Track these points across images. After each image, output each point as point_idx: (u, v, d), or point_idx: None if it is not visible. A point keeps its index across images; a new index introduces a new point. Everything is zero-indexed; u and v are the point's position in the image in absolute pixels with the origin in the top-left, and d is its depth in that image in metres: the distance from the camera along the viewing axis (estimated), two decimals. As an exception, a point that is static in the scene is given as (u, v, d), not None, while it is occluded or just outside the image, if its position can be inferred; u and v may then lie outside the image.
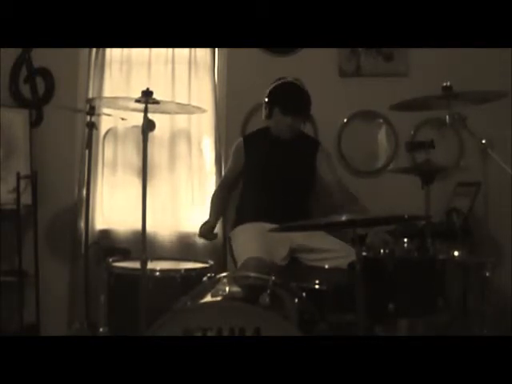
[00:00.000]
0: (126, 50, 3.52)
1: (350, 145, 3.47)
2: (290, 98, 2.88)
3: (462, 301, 2.95)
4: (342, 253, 2.60)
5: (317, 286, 2.33)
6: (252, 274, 2.19)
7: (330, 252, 2.71)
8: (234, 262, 2.81)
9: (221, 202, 3.09)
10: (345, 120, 3.48)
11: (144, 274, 2.24)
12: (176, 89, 3.50)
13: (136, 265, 2.32)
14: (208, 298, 1.94)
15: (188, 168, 3.52)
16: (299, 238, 2.77)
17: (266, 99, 2.92)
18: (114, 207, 3.52)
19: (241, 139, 3.10)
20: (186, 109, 2.95)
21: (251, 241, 2.71)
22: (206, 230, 2.92)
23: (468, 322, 2.83)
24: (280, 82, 2.91)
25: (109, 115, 3.22)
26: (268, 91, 2.92)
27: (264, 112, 2.95)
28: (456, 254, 2.64)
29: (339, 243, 2.73)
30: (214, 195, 3.13)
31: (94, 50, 3.50)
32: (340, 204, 2.87)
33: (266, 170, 2.96)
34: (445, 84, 2.34)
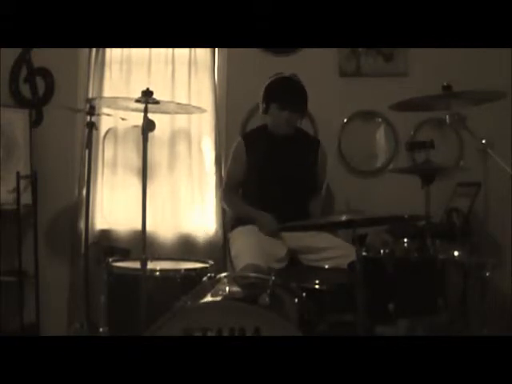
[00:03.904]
0: (125, 50, 3.51)
1: (350, 145, 3.47)
2: (286, 93, 2.89)
3: (462, 301, 2.95)
4: (342, 252, 2.60)
5: (317, 286, 2.33)
6: (252, 274, 2.20)
7: (330, 251, 2.71)
8: (232, 264, 2.80)
9: (238, 199, 3.06)
10: (345, 120, 3.48)
11: (144, 274, 2.24)
12: (176, 89, 3.50)
13: (136, 265, 2.32)
14: (208, 298, 1.94)
15: (188, 168, 3.52)
16: (299, 238, 2.77)
17: (263, 95, 2.93)
18: (114, 207, 3.52)
19: (240, 139, 3.10)
20: (186, 109, 2.95)
21: (249, 247, 2.69)
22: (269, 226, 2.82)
23: (468, 322, 2.83)
24: (276, 77, 2.92)
25: (109, 115, 3.21)
26: (265, 87, 2.93)
27: (261, 107, 2.97)
28: (456, 253, 2.63)
29: (339, 242, 2.73)
30: (226, 199, 3.09)
31: (94, 49, 3.50)
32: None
33: (265, 167, 2.96)
34: (445, 84, 2.34)
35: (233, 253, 2.82)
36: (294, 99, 2.89)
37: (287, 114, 2.89)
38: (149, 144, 2.27)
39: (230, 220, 3.14)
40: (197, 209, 3.51)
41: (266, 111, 2.95)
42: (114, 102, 2.79)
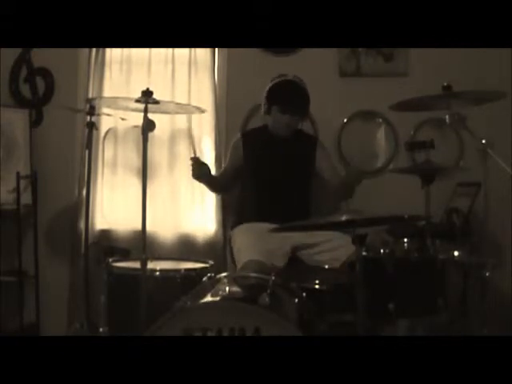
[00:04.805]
0: (126, 50, 3.51)
1: (350, 145, 3.47)
2: (288, 97, 2.89)
3: (462, 301, 2.95)
4: (339, 243, 2.60)
5: (317, 286, 2.33)
6: (252, 274, 2.20)
7: (327, 244, 2.71)
8: (234, 263, 2.81)
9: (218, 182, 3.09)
10: (345, 120, 3.48)
11: (144, 274, 2.24)
12: (176, 89, 3.50)
13: (136, 265, 2.32)
14: (208, 298, 1.94)
15: (188, 168, 3.51)
16: (299, 237, 2.77)
17: (266, 96, 2.93)
18: (114, 207, 3.51)
19: (239, 136, 3.10)
20: (186, 109, 2.95)
21: (251, 243, 2.70)
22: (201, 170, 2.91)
23: (468, 322, 2.83)
24: (279, 79, 2.92)
25: (109, 115, 3.21)
26: (267, 88, 2.93)
27: (263, 108, 2.97)
28: (456, 254, 2.63)
29: (336, 234, 2.72)
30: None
31: (94, 49, 3.50)
32: (337, 193, 2.91)
33: (264, 168, 2.97)
34: (445, 84, 2.34)
35: (235, 249, 2.83)
36: (295, 104, 2.90)
37: (288, 117, 2.89)
38: (149, 144, 2.27)
39: (232, 217, 3.14)
40: (197, 209, 3.51)
41: (267, 112, 2.96)
42: (114, 102, 2.79)
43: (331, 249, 2.68)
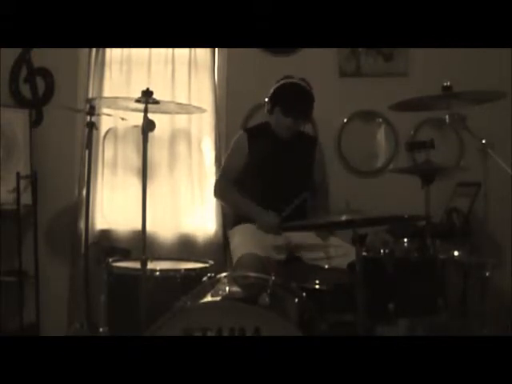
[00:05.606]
0: (126, 50, 3.52)
1: (350, 145, 3.47)
2: (292, 100, 2.88)
3: (462, 301, 2.94)
4: (342, 251, 2.60)
5: (317, 286, 2.33)
6: (252, 274, 2.20)
7: (330, 250, 2.71)
8: (231, 260, 2.81)
9: (234, 193, 2.99)
10: (345, 120, 3.48)
11: (144, 274, 2.24)
12: (176, 89, 3.50)
13: (136, 265, 2.32)
14: (208, 298, 1.94)
15: (188, 168, 3.52)
16: (298, 236, 2.77)
17: (270, 97, 2.92)
18: (114, 207, 3.52)
19: (243, 132, 3.06)
20: (186, 109, 2.95)
21: (247, 239, 2.71)
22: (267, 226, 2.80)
23: (468, 322, 2.83)
24: (284, 81, 2.90)
25: (109, 115, 3.21)
26: (273, 89, 2.91)
27: (266, 107, 2.96)
28: (456, 253, 2.63)
29: (339, 241, 2.73)
30: (222, 191, 3.04)
31: (94, 50, 3.50)
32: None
33: (266, 166, 2.96)
34: (445, 84, 2.34)
35: (232, 246, 2.83)
36: (299, 107, 2.89)
37: (290, 120, 2.88)
38: (149, 144, 2.27)
39: (231, 218, 3.14)
40: (197, 209, 3.51)
41: (270, 112, 2.94)
42: (114, 102, 2.79)
43: (333, 256, 2.68)
